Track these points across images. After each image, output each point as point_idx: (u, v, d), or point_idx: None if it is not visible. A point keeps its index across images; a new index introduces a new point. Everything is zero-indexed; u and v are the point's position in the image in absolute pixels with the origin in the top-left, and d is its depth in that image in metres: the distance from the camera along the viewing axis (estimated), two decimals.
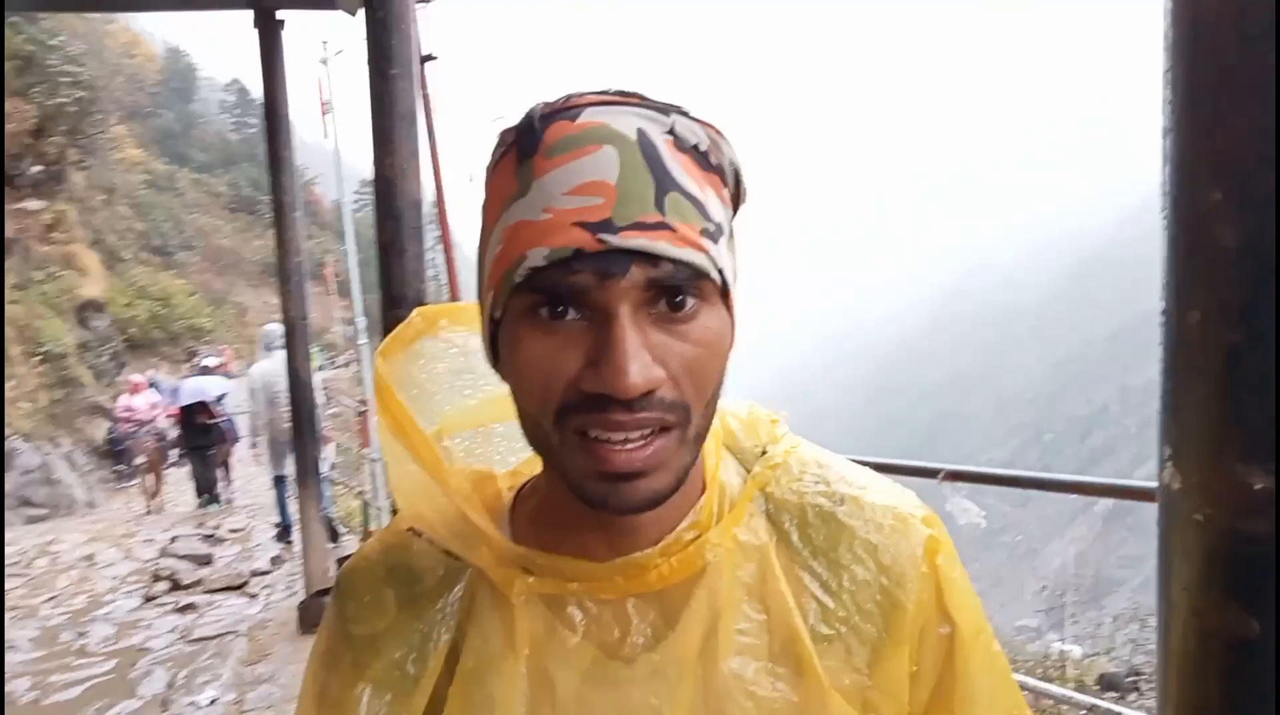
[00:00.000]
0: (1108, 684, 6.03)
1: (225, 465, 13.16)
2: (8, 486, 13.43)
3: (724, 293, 0.68)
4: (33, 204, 20.02)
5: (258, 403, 9.38)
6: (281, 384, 8.96)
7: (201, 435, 12.37)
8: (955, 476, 3.07)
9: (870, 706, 0.75)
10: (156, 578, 8.41)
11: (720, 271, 0.66)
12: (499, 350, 0.70)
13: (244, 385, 10.64)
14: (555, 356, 0.64)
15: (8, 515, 12.88)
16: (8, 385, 14.92)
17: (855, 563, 0.77)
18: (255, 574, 8.48)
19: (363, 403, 11.91)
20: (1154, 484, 0.63)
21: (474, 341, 0.90)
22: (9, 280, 16.42)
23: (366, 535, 9.26)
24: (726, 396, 0.73)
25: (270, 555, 9.16)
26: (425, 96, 7.06)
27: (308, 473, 6.91)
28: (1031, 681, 3.01)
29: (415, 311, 0.91)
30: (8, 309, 15.53)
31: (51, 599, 8.19)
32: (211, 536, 10.49)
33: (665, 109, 0.67)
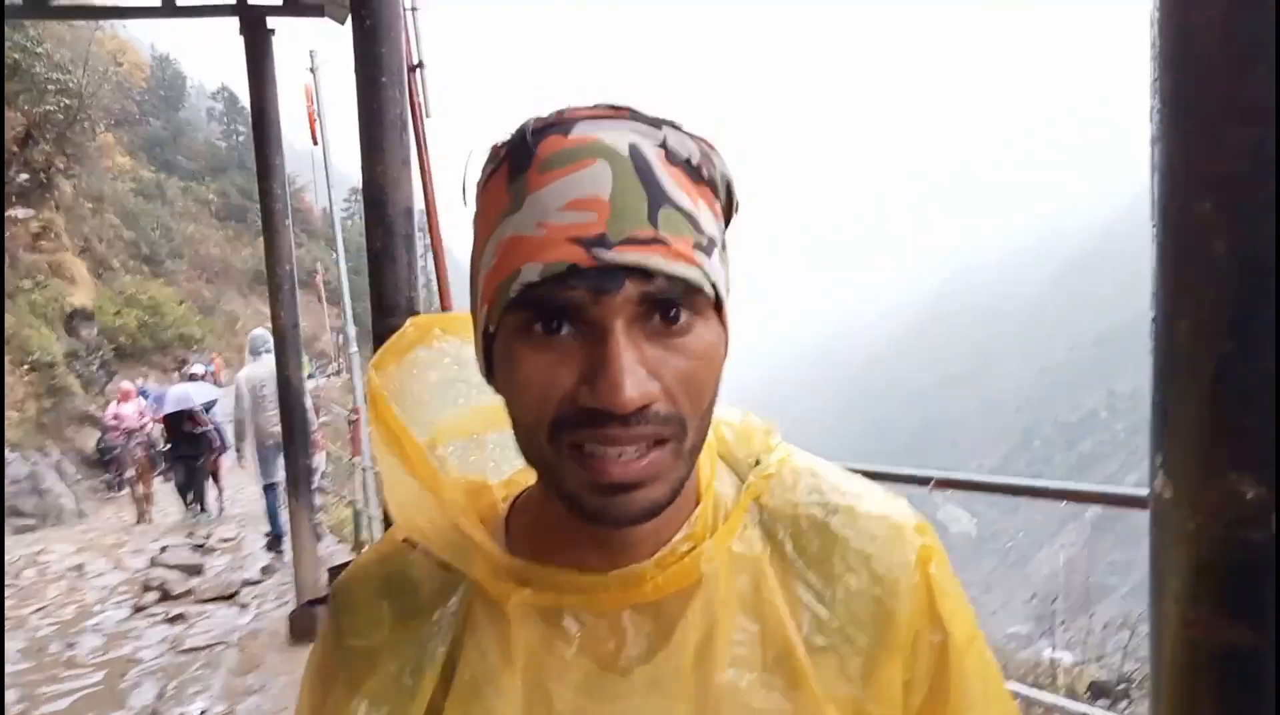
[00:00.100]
0: (1098, 691, 6.03)
1: (214, 474, 13.11)
2: None
3: (717, 305, 0.68)
4: (20, 212, 19.94)
5: (242, 408, 9.35)
6: (268, 388, 8.93)
7: (188, 445, 12.32)
8: (946, 484, 3.07)
9: None
10: (146, 588, 8.38)
11: (713, 285, 0.66)
12: (493, 364, 0.71)
13: (231, 391, 10.61)
14: (550, 372, 0.64)
15: None
16: None
17: (849, 573, 0.77)
18: (246, 584, 8.45)
19: (354, 411, 11.88)
20: (1145, 491, 0.63)
21: (467, 351, 0.90)
22: None
23: (358, 544, 9.24)
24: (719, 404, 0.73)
25: (261, 565, 9.13)
26: (415, 104, 7.05)
27: (299, 482, 6.89)
28: (1023, 689, 3.01)
29: (409, 321, 0.91)
30: None
31: (40, 610, 8.15)
32: (202, 546, 10.46)
33: (657, 123, 0.67)
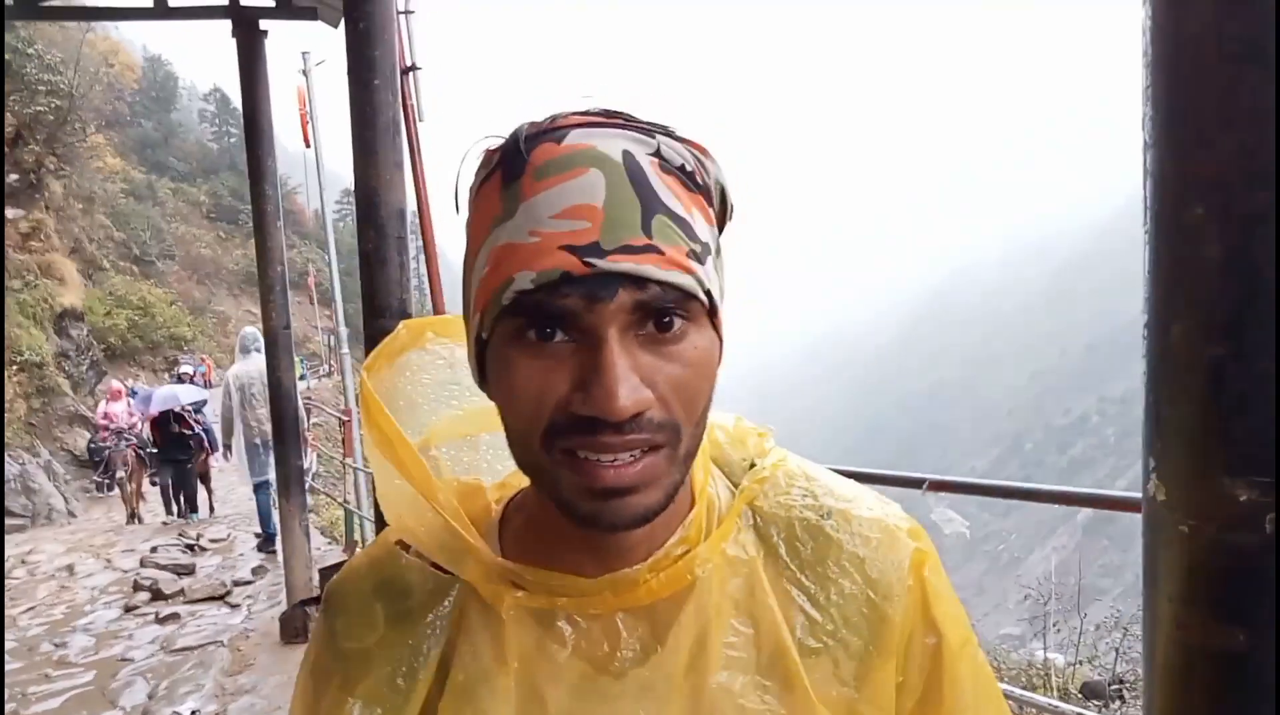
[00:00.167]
0: (1091, 692, 6.05)
1: (204, 476, 13.07)
2: None
3: (711, 312, 0.68)
4: (10, 212, 19.86)
5: (230, 404, 9.34)
6: (257, 386, 8.92)
7: (178, 448, 12.27)
8: (940, 486, 3.07)
9: None
10: (137, 588, 8.35)
11: (707, 292, 0.66)
12: (486, 370, 0.71)
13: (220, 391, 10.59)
14: (543, 379, 0.64)
15: None
16: None
17: (842, 576, 0.77)
18: (237, 584, 8.43)
19: (345, 412, 11.86)
20: (1137, 494, 0.64)
21: (461, 353, 0.90)
22: None
23: (350, 545, 9.22)
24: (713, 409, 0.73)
25: (252, 565, 9.11)
26: (407, 107, 7.05)
27: (290, 482, 6.88)
28: (1016, 690, 3.01)
29: (401, 324, 0.91)
30: None
31: (30, 609, 8.12)
32: (193, 546, 10.43)
33: (651, 130, 0.67)
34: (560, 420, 0.64)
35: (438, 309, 7.50)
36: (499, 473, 0.89)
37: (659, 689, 0.73)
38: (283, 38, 7.40)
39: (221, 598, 8.03)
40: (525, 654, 0.74)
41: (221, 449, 10.44)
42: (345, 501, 9.97)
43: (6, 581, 9.20)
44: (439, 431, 0.90)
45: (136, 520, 13.06)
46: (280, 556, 7.49)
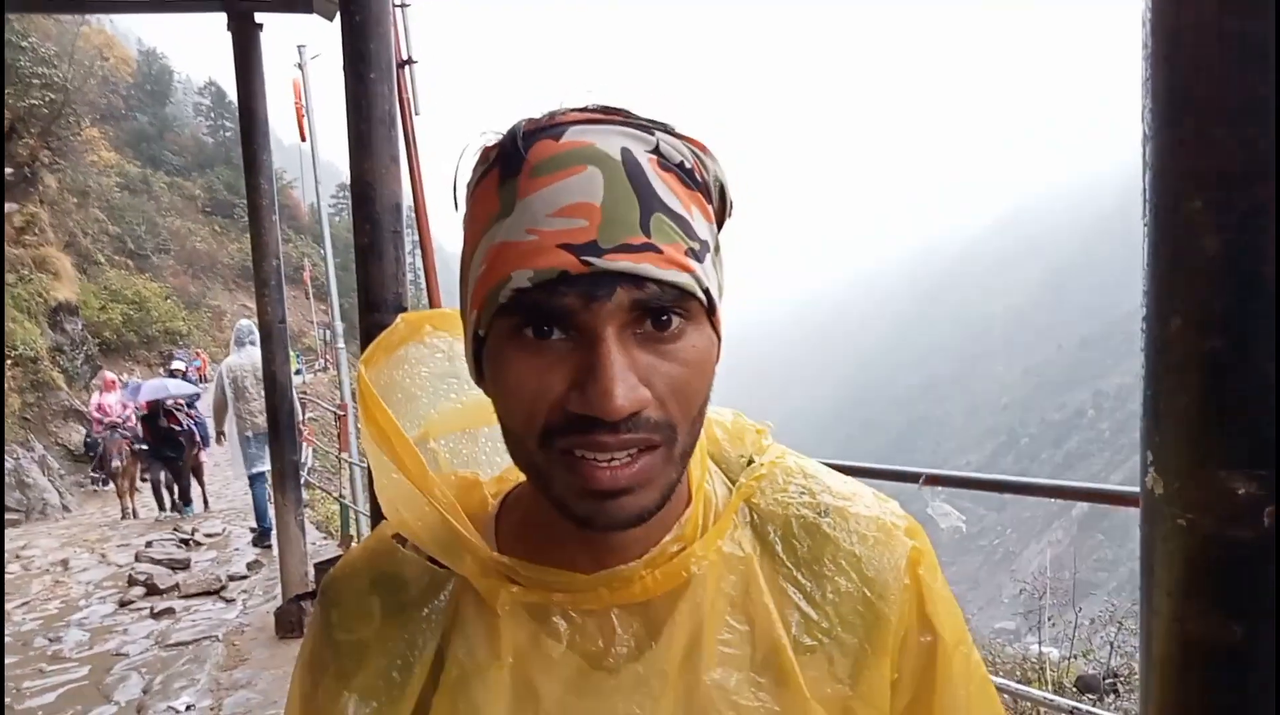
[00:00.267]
0: (1085, 686, 6.07)
1: (196, 471, 13.04)
2: None
3: (709, 310, 0.68)
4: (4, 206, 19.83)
5: (223, 394, 9.34)
6: (249, 379, 8.92)
7: (168, 445, 12.26)
8: (936, 480, 3.08)
9: None
10: (132, 582, 8.34)
11: (706, 290, 0.66)
12: (483, 368, 0.70)
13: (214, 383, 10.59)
14: (541, 377, 0.64)
15: None
16: None
17: (838, 574, 0.77)
18: (232, 579, 8.42)
19: (341, 407, 11.85)
20: (1132, 488, 0.64)
21: (459, 346, 0.90)
22: None
23: (345, 539, 9.23)
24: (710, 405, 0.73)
25: (247, 560, 9.10)
26: (404, 101, 7.04)
27: (285, 477, 6.87)
28: (1011, 684, 3.02)
29: (399, 318, 0.91)
30: None
31: (24, 604, 8.11)
32: (188, 541, 10.41)
33: (650, 127, 0.66)
34: (557, 419, 0.64)
35: (434, 303, 7.50)
36: (498, 466, 0.89)
37: (653, 685, 0.73)
38: (278, 31, 7.39)
39: (216, 592, 8.02)
40: (520, 649, 0.75)
41: (214, 436, 10.43)
42: (341, 496, 9.99)
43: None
44: (438, 424, 0.90)
45: (132, 515, 13.03)
46: (275, 551, 7.49)
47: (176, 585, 8.20)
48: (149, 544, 10.03)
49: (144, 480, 13.55)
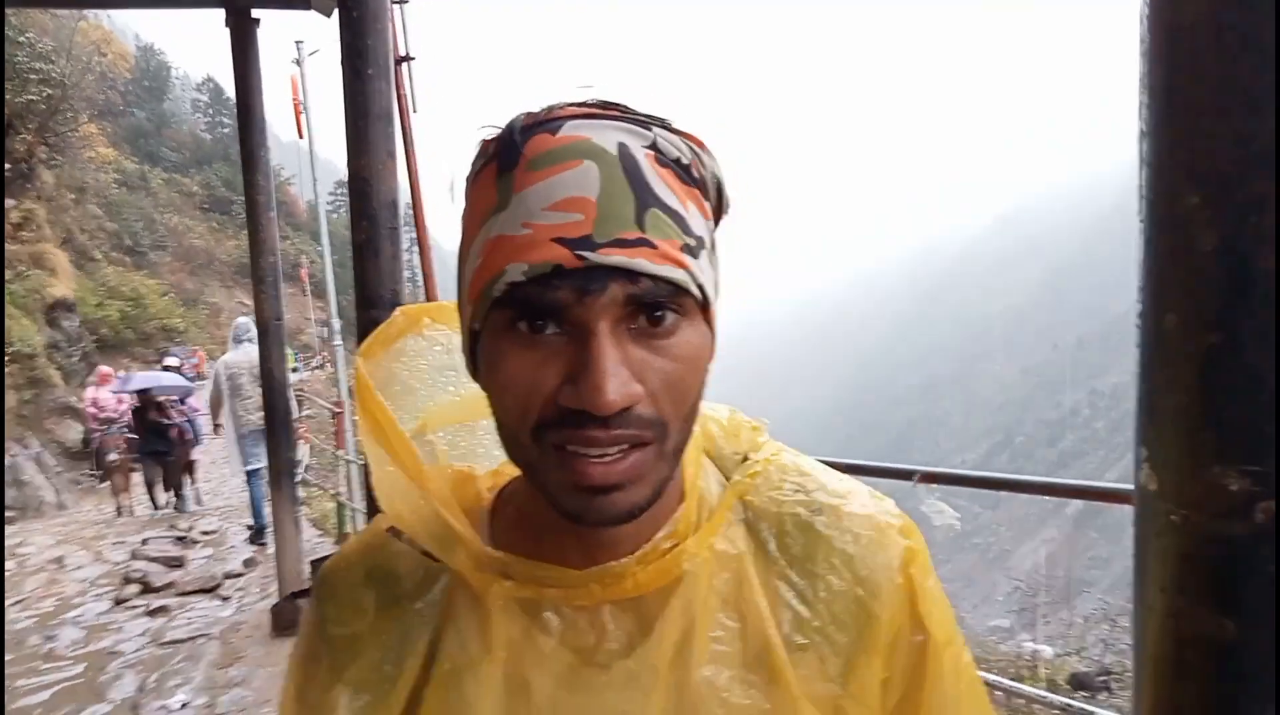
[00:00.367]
0: (1079, 683, 6.07)
1: (189, 468, 13.00)
2: None
3: (704, 307, 0.68)
4: None
5: (219, 390, 9.34)
6: (245, 376, 8.92)
7: (156, 437, 12.21)
8: (930, 478, 3.08)
9: (842, 714, 0.75)
10: (127, 580, 8.33)
11: (700, 287, 0.66)
12: (478, 362, 0.70)
13: (209, 383, 10.58)
14: (534, 371, 0.64)
15: None
16: None
17: (831, 573, 0.77)
18: (228, 576, 8.41)
19: (337, 405, 11.85)
20: (1126, 486, 0.64)
21: (458, 339, 0.90)
22: None
23: (341, 537, 9.22)
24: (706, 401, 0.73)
25: (243, 557, 9.09)
26: (402, 97, 7.03)
27: (281, 474, 6.86)
28: (1004, 682, 3.02)
29: (398, 310, 0.91)
30: None
31: (19, 602, 8.09)
32: (183, 539, 10.40)
33: (647, 122, 0.66)
34: (549, 414, 0.64)
35: (431, 300, 7.49)
36: (496, 459, 0.89)
37: (644, 680, 0.73)
38: (276, 27, 7.39)
39: (212, 590, 8.01)
40: (512, 643, 0.75)
41: (213, 427, 10.43)
42: (337, 494, 9.97)
43: None
44: (436, 417, 0.90)
45: (128, 512, 12.99)
46: (271, 549, 7.48)
47: (172, 583, 8.19)
48: (145, 542, 10.01)
49: (133, 469, 13.48)
